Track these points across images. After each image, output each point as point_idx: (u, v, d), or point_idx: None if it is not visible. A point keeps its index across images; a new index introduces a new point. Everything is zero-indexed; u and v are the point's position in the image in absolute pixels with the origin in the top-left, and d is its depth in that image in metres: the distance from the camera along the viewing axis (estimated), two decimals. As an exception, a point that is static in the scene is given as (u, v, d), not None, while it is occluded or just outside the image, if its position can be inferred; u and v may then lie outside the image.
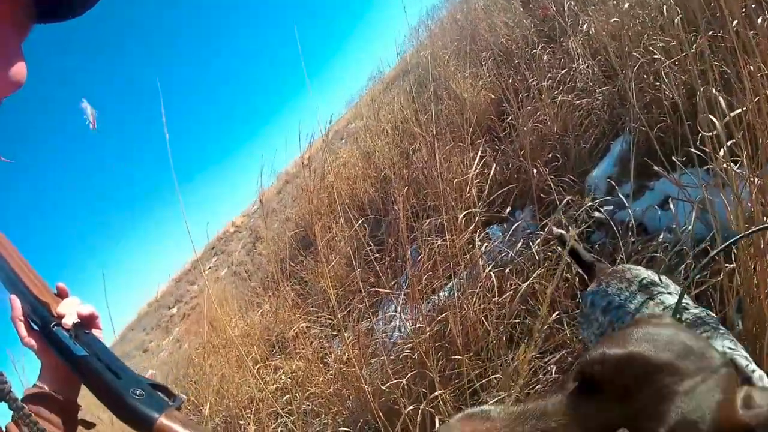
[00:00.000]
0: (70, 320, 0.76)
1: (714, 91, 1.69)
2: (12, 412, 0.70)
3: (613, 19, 3.07)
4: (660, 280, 1.39)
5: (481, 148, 3.00)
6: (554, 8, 4.19)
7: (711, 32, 2.36)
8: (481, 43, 5.16)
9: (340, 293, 3.43)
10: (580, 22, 3.67)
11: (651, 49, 2.74)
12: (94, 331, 0.81)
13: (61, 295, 0.83)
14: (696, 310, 1.27)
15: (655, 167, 2.10)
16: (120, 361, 0.75)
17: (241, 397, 3.36)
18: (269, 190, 11.90)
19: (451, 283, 2.49)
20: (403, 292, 2.94)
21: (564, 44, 3.69)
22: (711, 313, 1.28)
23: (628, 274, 1.43)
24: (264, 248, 6.50)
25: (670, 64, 2.59)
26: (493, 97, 3.90)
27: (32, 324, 0.80)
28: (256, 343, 3.68)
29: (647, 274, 1.43)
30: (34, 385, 0.79)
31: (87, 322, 0.79)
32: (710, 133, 1.62)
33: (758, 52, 1.74)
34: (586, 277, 1.79)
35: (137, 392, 0.69)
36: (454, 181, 2.84)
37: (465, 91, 4.05)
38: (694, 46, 2.22)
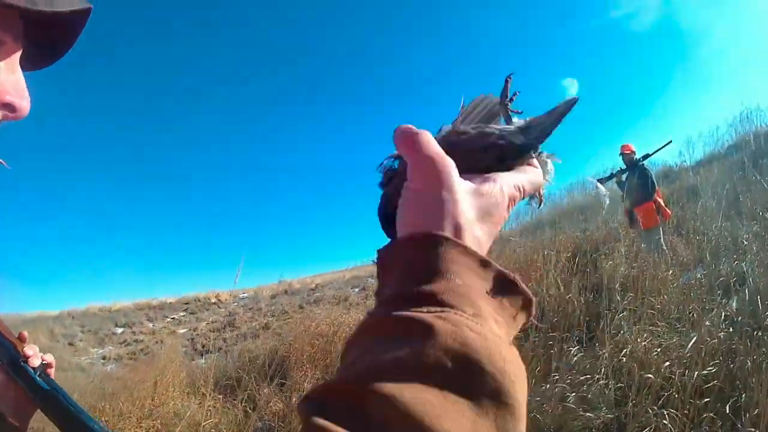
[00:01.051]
0: (36, 362, 0.90)
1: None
2: None
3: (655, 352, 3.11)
4: None
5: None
6: (606, 305, 4.25)
7: None
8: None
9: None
10: (621, 333, 3.72)
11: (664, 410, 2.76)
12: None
13: (22, 340, 0.94)
14: None
15: None
16: (76, 403, 0.87)
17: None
18: (267, 287, 11.89)
19: None
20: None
21: (597, 347, 3.72)
22: None
23: None
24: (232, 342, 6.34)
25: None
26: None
27: None
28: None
29: None
30: None
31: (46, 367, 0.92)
32: None
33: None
34: None
35: (96, 428, 0.83)
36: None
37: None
38: None
